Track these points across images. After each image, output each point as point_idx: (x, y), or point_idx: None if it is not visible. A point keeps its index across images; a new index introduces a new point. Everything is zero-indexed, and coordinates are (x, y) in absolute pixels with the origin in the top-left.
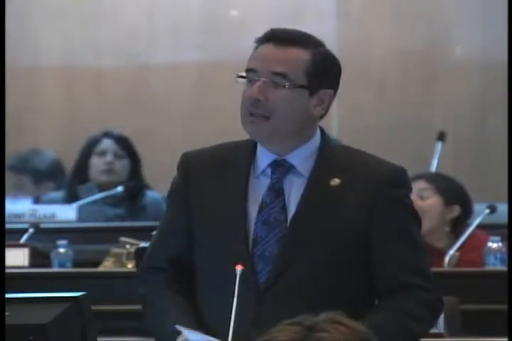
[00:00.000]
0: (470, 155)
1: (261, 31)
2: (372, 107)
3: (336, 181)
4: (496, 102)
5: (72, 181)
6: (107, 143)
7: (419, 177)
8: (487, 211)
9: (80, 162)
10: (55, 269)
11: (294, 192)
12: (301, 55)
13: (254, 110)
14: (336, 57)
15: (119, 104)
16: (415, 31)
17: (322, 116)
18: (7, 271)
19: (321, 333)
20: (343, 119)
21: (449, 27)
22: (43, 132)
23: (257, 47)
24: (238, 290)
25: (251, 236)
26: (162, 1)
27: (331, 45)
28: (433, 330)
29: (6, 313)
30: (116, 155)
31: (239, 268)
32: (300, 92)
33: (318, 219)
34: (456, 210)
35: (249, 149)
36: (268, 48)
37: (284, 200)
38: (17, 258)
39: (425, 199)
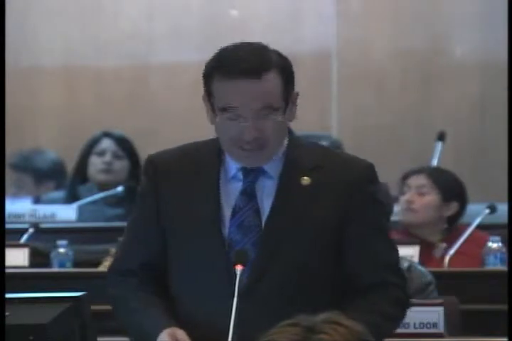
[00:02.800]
0: (470, 155)
1: (261, 31)
2: (372, 107)
3: (306, 180)
4: (496, 102)
5: (72, 181)
6: (106, 143)
7: (419, 171)
8: (487, 211)
9: (80, 162)
10: (55, 269)
11: (266, 195)
12: (274, 79)
13: (248, 146)
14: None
15: (119, 104)
16: (415, 31)
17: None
18: (7, 271)
19: (320, 335)
20: (343, 119)
21: (449, 27)
22: (43, 132)
23: (213, 79)
24: (236, 290)
25: (226, 241)
26: (162, 1)
27: (331, 45)
28: (433, 330)
29: (6, 313)
30: (116, 156)
31: (239, 268)
32: (282, 113)
33: (292, 221)
34: (453, 207)
35: (216, 151)
36: (241, 84)
37: (257, 204)
38: (17, 258)
39: (424, 196)
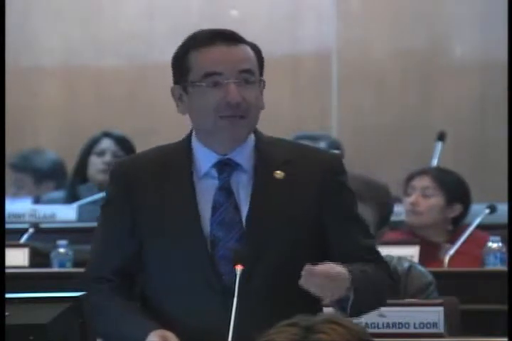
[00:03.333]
0: (470, 155)
1: (261, 31)
2: (372, 107)
3: (280, 174)
4: (496, 102)
5: (72, 181)
6: (106, 143)
7: (423, 172)
8: (487, 211)
9: (80, 162)
10: (55, 269)
11: (242, 190)
12: (249, 50)
13: (231, 113)
14: None
15: (119, 104)
16: (415, 31)
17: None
18: (7, 271)
19: (319, 334)
20: (343, 119)
21: (449, 27)
22: (43, 132)
23: (187, 54)
24: (236, 290)
25: (208, 238)
26: (162, 1)
27: (331, 45)
28: (433, 330)
29: (6, 313)
30: (116, 156)
31: (239, 268)
32: (258, 87)
33: (271, 214)
34: (457, 209)
35: (185, 151)
36: (219, 49)
37: (235, 200)
38: (17, 258)
39: (428, 198)
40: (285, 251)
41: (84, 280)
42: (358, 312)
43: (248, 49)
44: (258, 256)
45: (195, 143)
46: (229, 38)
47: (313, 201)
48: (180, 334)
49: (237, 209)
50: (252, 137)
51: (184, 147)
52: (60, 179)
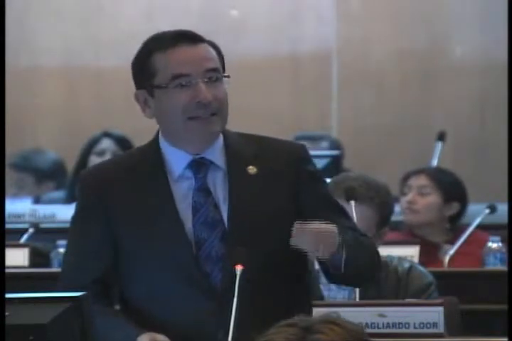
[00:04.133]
0: (470, 155)
1: (261, 31)
2: (372, 107)
3: (252, 169)
4: (496, 102)
5: (72, 181)
6: (106, 143)
7: (420, 172)
8: (487, 211)
9: (80, 162)
10: (55, 269)
11: (219, 188)
12: (210, 48)
13: (202, 113)
14: None
15: (119, 104)
16: (415, 31)
17: None
18: (7, 271)
19: (317, 334)
20: (343, 119)
21: (449, 27)
22: (42, 132)
23: (149, 58)
24: (236, 290)
25: (193, 239)
26: (162, 1)
27: (331, 45)
28: (433, 330)
29: (6, 313)
30: (116, 156)
31: (239, 267)
32: (224, 83)
33: (251, 211)
34: (454, 207)
35: (154, 154)
36: (184, 50)
37: (214, 199)
38: (17, 258)
39: (425, 196)
40: (269, 245)
41: (60, 289)
42: (352, 270)
43: (209, 48)
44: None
45: (164, 145)
46: (191, 38)
47: (289, 192)
48: (168, 335)
49: (216, 208)
50: (220, 134)
51: (153, 150)
52: (61, 179)
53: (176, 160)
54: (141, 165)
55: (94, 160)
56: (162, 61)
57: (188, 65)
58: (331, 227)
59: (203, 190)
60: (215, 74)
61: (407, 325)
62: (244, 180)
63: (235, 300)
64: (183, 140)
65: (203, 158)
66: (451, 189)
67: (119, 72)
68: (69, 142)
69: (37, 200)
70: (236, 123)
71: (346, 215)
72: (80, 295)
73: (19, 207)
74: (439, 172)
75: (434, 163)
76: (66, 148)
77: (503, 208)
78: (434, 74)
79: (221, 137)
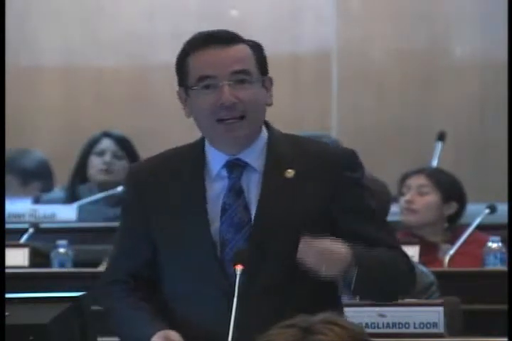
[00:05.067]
0: (470, 155)
1: (261, 31)
2: (372, 107)
3: (290, 172)
4: (496, 102)
5: (72, 181)
6: (106, 143)
7: (419, 171)
8: (487, 211)
9: (80, 162)
10: (55, 269)
11: (252, 190)
12: (246, 49)
13: (227, 115)
14: None
15: (119, 104)
16: (415, 31)
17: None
18: (7, 271)
19: (317, 335)
20: (343, 119)
21: (449, 27)
22: (42, 132)
23: (186, 57)
24: (236, 290)
25: (218, 240)
26: (162, 1)
27: (331, 45)
28: (433, 330)
29: (6, 313)
30: (116, 156)
31: (239, 267)
32: (258, 85)
33: (280, 215)
34: (453, 207)
35: (197, 153)
36: (213, 51)
37: (245, 200)
38: (17, 258)
39: (424, 196)
40: (292, 251)
41: (102, 283)
42: (365, 290)
43: (244, 48)
44: (264, 255)
45: (207, 145)
46: (223, 39)
47: (323, 199)
48: (191, 336)
49: (246, 209)
50: (263, 135)
51: (197, 149)
52: (47, 179)
53: (215, 159)
54: (184, 163)
55: (94, 160)
56: (192, 62)
57: (214, 66)
58: (338, 246)
59: (233, 191)
60: (243, 76)
61: (407, 325)
62: (279, 183)
63: (235, 300)
64: (214, 141)
65: (238, 159)
66: (450, 188)
67: (119, 72)
68: (69, 142)
69: (37, 200)
70: None
71: (380, 225)
72: (80, 295)
73: (19, 207)
74: (437, 172)
75: (434, 163)
76: (66, 148)
77: (503, 208)
78: (434, 74)
79: (263, 138)
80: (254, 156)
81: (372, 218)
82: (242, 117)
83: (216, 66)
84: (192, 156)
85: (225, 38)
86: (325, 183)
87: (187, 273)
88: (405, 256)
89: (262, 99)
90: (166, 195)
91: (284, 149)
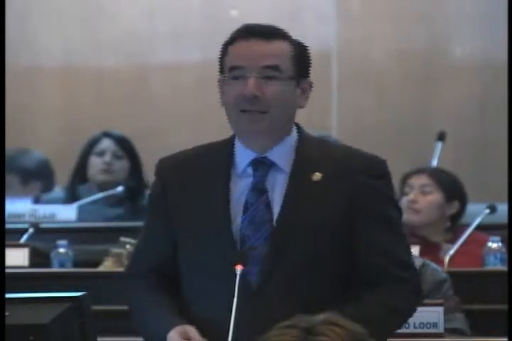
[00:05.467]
0: (470, 155)
1: None
2: (372, 107)
3: (317, 176)
4: (496, 102)
5: (72, 181)
6: (106, 144)
7: (420, 171)
8: (487, 211)
9: (80, 162)
10: (55, 269)
11: (277, 189)
12: (285, 47)
13: (249, 107)
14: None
15: (119, 104)
16: (415, 31)
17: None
18: (7, 271)
19: (319, 337)
20: (343, 119)
21: (449, 27)
22: (42, 132)
23: (228, 46)
24: (236, 290)
25: (238, 237)
26: (162, 1)
27: (331, 45)
28: (433, 330)
29: (6, 313)
30: (116, 156)
31: (239, 267)
32: (290, 84)
33: (302, 216)
34: (455, 206)
35: (226, 149)
36: (250, 44)
37: (268, 198)
38: (17, 258)
39: (427, 195)
40: (309, 253)
41: (125, 275)
42: None
43: (283, 45)
44: (281, 255)
45: (237, 142)
46: (264, 33)
47: (345, 204)
48: (206, 332)
49: (268, 207)
50: (293, 137)
51: (227, 145)
52: (47, 179)
53: (242, 156)
54: (213, 160)
55: (94, 160)
56: (230, 52)
57: (246, 58)
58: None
59: (257, 189)
60: (273, 72)
61: (407, 325)
62: (305, 185)
63: (235, 300)
64: (239, 133)
65: (265, 157)
66: (452, 188)
67: (119, 72)
68: (69, 142)
69: (37, 200)
70: None
71: (399, 238)
72: (80, 295)
73: (19, 207)
74: (439, 172)
75: (434, 163)
76: (66, 148)
77: (503, 208)
78: (434, 74)
79: (292, 140)
80: (282, 156)
81: (391, 229)
82: (264, 112)
83: (248, 58)
84: (221, 153)
85: (267, 33)
86: (348, 189)
87: (204, 269)
88: (412, 286)
89: (290, 98)
90: (190, 191)
91: (313, 152)
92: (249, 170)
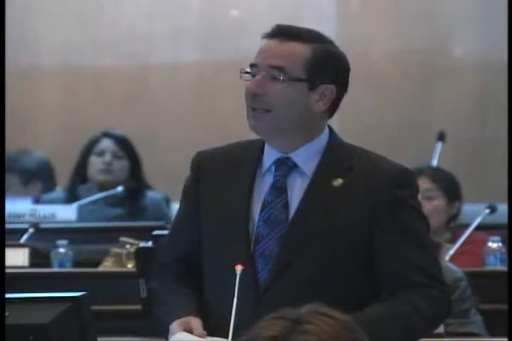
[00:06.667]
0: (470, 155)
1: (261, 31)
2: (372, 107)
3: (338, 181)
4: (496, 102)
5: (72, 181)
6: (106, 144)
7: (419, 173)
8: (487, 211)
9: (80, 162)
10: (55, 269)
11: (296, 190)
12: (300, 49)
13: (254, 104)
14: (344, 54)
15: (119, 103)
16: (415, 31)
17: (330, 113)
18: (7, 271)
19: (307, 325)
20: (343, 119)
21: (449, 27)
22: (42, 132)
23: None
24: (238, 289)
25: (253, 235)
26: (162, 1)
27: None
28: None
29: (6, 313)
30: (116, 156)
31: (239, 268)
32: (297, 86)
33: (319, 219)
34: (456, 206)
35: (258, 147)
36: (271, 43)
37: (286, 198)
38: (17, 258)
39: (432, 200)
40: (322, 256)
41: (157, 265)
42: None
43: (298, 47)
44: (292, 257)
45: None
46: (284, 34)
47: (365, 212)
48: (217, 327)
49: (285, 207)
50: (321, 140)
51: (259, 143)
52: (48, 179)
53: (269, 155)
54: (245, 156)
55: (94, 160)
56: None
57: (260, 56)
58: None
59: (276, 188)
60: (277, 72)
61: None
62: (325, 190)
63: (235, 300)
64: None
65: (288, 158)
66: (452, 188)
67: (119, 72)
68: (68, 142)
69: (37, 200)
70: (236, 123)
71: (425, 252)
72: (80, 295)
73: (19, 207)
74: (438, 174)
75: (434, 163)
76: (66, 148)
77: (503, 208)
78: (434, 73)
79: (320, 143)
80: (306, 159)
81: (415, 242)
82: (268, 110)
83: (261, 57)
84: (253, 150)
85: (287, 33)
86: (369, 197)
87: (219, 263)
88: (436, 296)
89: (297, 100)
90: (219, 184)
91: (339, 158)
92: (273, 169)
